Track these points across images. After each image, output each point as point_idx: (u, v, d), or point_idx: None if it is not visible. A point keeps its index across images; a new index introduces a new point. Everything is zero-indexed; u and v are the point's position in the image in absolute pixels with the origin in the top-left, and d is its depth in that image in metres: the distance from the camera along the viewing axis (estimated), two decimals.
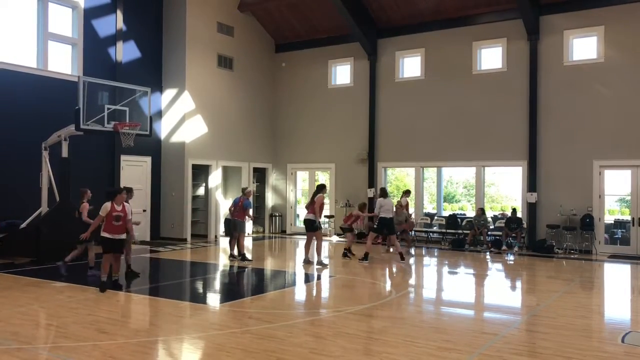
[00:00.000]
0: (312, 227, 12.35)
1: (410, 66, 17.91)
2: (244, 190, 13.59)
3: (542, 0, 15.41)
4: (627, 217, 15.06)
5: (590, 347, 6.20)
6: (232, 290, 10.22)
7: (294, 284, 10.63)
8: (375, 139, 18.11)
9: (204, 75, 17.49)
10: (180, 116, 16.95)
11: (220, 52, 18.03)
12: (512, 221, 15.35)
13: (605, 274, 12.38)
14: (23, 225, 12.61)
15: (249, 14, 19.08)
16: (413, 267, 12.56)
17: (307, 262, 12.36)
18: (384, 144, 18.02)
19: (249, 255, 13.10)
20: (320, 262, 12.25)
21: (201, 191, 18.33)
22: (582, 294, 9.79)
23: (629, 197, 15.05)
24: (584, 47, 15.30)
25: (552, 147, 15.33)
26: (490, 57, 16.52)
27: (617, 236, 15.41)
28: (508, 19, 15.88)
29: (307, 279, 11.10)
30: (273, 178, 20.09)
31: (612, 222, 15.90)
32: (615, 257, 13.99)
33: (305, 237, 12.90)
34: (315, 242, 12.44)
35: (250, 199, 13.70)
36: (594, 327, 7.56)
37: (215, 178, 17.94)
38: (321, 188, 12.67)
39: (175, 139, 17.05)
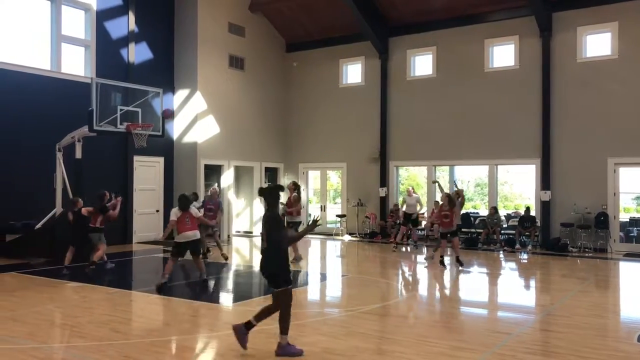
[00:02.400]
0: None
1: (422, 65, 17.84)
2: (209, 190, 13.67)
3: None
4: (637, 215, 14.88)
5: (605, 347, 6.14)
6: (244, 290, 10.25)
7: (306, 283, 10.64)
8: (387, 138, 18.07)
9: (215, 75, 17.55)
10: (193, 116, 17.03)
11: (231, 53, 18.09)
12: (525, 220, 15.24)
13: (621, 272, 12.25)
14: (38, 225, 12.74)
15: (259, 14, 19.12)
16: (428, 267, 12.50)
17: (297, 260, 12.31)
18: (396, 142, 17.97)
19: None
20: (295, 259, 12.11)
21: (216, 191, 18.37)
22: (597, 293, 9.70)
23: None
24: (597, 43, 15.13)
25: (565, 145, 15.19)
26: (503, 55, 16.40)
27: (632, 234, 15.24)
28: (520, 16, 15.76)
29: (322, 278, 11.11)
30: (285, 178, 20.11)
31: (628, 220, 15.73)
32: (631, 256, 13.83)
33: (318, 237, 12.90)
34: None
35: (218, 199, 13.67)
36: (609, 326, 7.48)
37: (227, 178, 18.00)
38: (288, 188, 12.97)
39: (187, 139, 17.13)
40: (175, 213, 9.29)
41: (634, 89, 14.34)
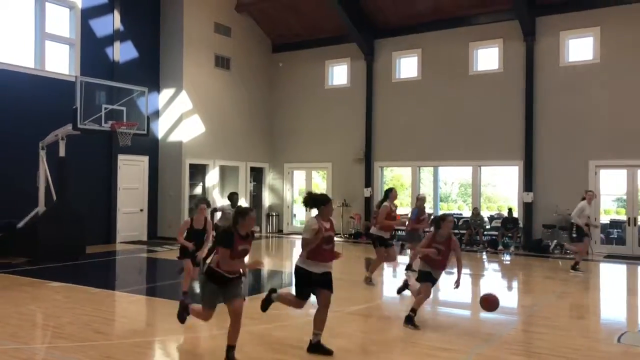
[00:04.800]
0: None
1: (407, 67, 17.94)
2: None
3: (538, 1, 15.46)
4: (623, 217, 15.10)
5: (587, 347, 6.24)
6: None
7: (291, 284, 10.63)
8: (372, 139, 18.15)
9: (201, 75, 17.49)
10: (178, 116, 16.95)
11: (217, 52, 18.04)
12: (508, 221, 15.41)
13: (601, 274, 12.43)
14: (20, 224, 12.60)
15: (245, 15, 19.09)
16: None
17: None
18: (381, 143, 18.06)
19: None
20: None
21: (198, 190, 18.33)
22: (578, 294, 9.83)
23: (624, 197, 15.11)
24: (580, 48, 15.35)
25: (548, 147, 15.38)
26: (487, 58, 16.56)
27: (612, 236, 15.47)
28: (504, 20, 15.92)
29: None
30: (270, 178, 20.11)
31: (608, 222, 15.96)
32: (611, 257, 14.04)
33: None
34: None
35: None
36: (591, 327, 7.59)
37: (212, 177, 17.95)
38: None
39: (172, 138, 17.05)
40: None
41: (615, 93, 14.56)
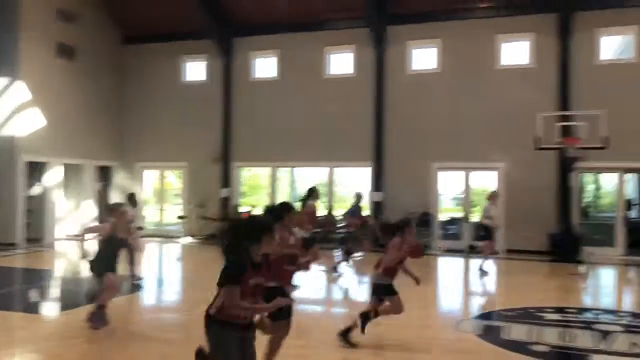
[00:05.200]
0: None
1: (265, 67, 17.99)
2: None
3: (390, 10, 16.35)
4: (459, 215, 16.51)
5: (429, 336, 6.68)
6: (69, 298, 9.45)
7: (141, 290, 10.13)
8: (230, 139, 17.91)
9: (41, 64, 15.99)
10: (12, 108, 15.33)
11: (60, 41, 16.62)
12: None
13: (440, 267, 13.46)
14: None
15: (94, 2, 17.84)
16: None
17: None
18: (239, 143, 17.89)
19: None
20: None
21: (37, 190, 16.72)
22: (419, 287, 10.49)
23: (461, 196, 16.55)
24: (424, 57, 16.50)
25: (396, 150, 16.31)
26: (341, 62, 17.16)
27: (450, 232, 16.83)
28: (357, 27, 16.60)
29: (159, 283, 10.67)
30: (119, 177, 18.96)
31: (447, 219, 17.34)
32: (449, 252, 15.28)
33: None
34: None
35: None
36: (431, 317, 8.16)
37: (53, 176, 16.48)
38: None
39: (5, 132, 15.38)
40: None
41: (454, 100, 15.84)
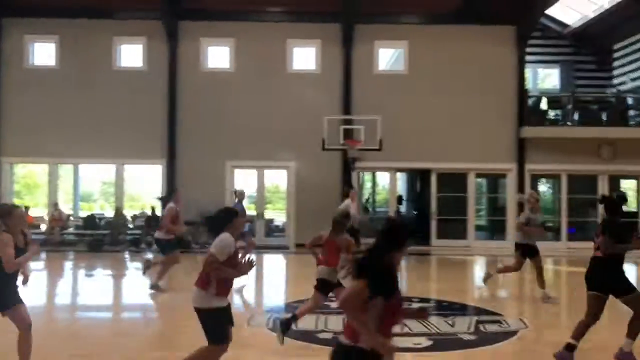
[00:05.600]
0: None
1: (44, 53, 16.33)
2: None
3: (184, 5, 16.00)
4: (254, 212, 16.91)
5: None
6: None
7: None
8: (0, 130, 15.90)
9: None
10: None
11: None
12: (152, 219, 15.52)
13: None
14: None
15: None
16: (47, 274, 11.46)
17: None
18: (11, 136, 15.95)
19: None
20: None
21: None
22: None
23: (255, 194, 16.96)
24: (219, 55, 16.52)
25: (190, 147, 16.04)
26: (133, 55, 16.34)
27: (245, 230, 17.13)
28: (149, 19, 15.96)
29: None
30: None
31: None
32: (242, 248, 15.52)
33: None
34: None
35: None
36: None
37: None
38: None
39: None
40: None
41: (247, 101, 16.14)
